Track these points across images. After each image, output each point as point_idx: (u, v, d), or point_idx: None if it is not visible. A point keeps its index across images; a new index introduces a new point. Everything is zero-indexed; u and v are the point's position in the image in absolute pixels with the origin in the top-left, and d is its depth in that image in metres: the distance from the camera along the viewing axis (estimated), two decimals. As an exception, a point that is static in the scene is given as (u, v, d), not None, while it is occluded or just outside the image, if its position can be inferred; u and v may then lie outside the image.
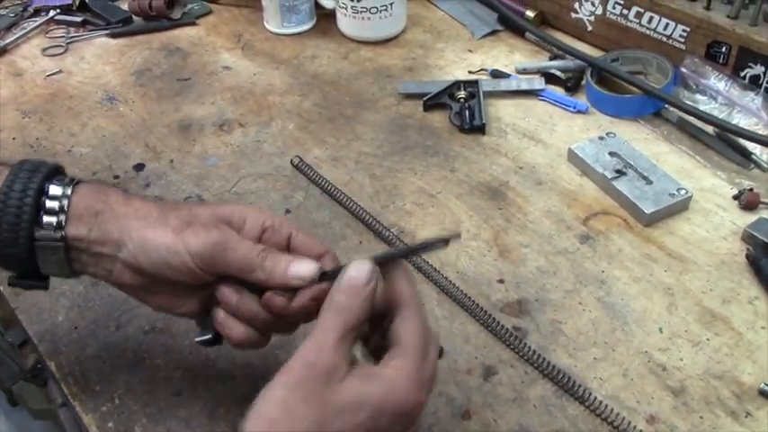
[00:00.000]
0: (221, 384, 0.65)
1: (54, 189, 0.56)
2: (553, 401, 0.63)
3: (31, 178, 0.56)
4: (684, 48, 0.93)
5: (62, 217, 0.55)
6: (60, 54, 1.09)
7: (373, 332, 0.53)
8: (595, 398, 0.62)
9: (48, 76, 1.05)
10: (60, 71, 1.05)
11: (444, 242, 0.51)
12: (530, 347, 0.66)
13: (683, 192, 0.79)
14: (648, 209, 0.77)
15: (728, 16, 0.89)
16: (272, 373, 0.51)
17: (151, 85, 1.02)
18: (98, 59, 1.08)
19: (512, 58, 1.03)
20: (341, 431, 0.46)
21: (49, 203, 0.55)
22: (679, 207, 0.79)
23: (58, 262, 0.56)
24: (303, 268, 0.54)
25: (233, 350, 0.67)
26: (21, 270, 0.58)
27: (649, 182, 0.80)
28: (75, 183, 0.57)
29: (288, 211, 0.82)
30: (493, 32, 1.08)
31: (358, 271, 0.50)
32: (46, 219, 0.55)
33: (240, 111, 0.96)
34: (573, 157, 0.85)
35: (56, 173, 0.58)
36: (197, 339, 0.60)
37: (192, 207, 0.57)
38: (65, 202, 0.55)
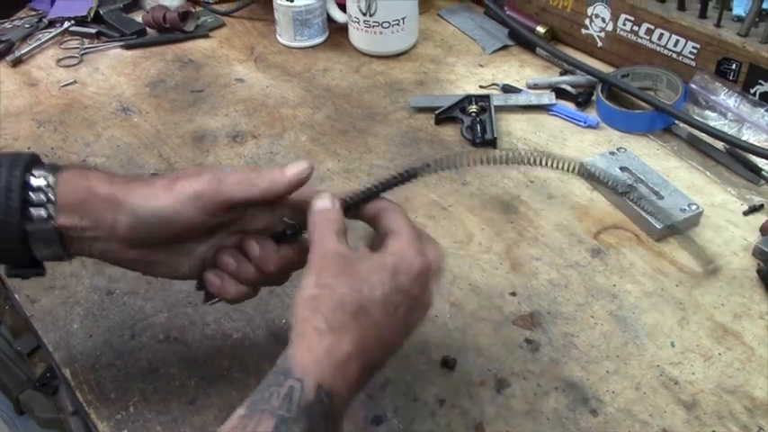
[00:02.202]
0: (235, 392, 0.65)
1: (37, 181, 0.55)
2: (566, 414, 0.63)
3: (11, 173, 0.55)
4: (694, 64, 0.94)
5: (51, 208, 0.55)
6: (75, 65, 1.10)
7: None
8: (608, 411, 0.62)
9: (63, 86, 1.06)
10: (75, 81, 1.07)
11: (412, 175, 0.59)
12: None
13: (693, 207, 0.79)
14: (660, 224, 0.78)
15: (739, 34, 0.90)
16: None
17: (165, 97, 1.03)
18: (112, 70, 1.09)
19: (522, 73, 1.04)
20: (373, 289, 0.52)
21: (35, 196, 0.55)
22: (690, 222, 0.79)
23: (53, 249, 0.57)
24: (297, 165, 0.58)
25: (247, 358, 0.68)
26: (16, 261, 0.58)
27: (660, 197, 0.81)
28: (55, 170, 0.57)
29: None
30: (504, 47, 1.09)
31: (322, 201, 0.58)
32: (35, 212, 0.55)
33: (253, 123, 0.97)
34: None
35: (33, 163, 0.57)
36: (210, 303, 0.63)
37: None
38: (50, 193, 0.55)
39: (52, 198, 0.55)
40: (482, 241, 0.80)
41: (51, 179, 0.55)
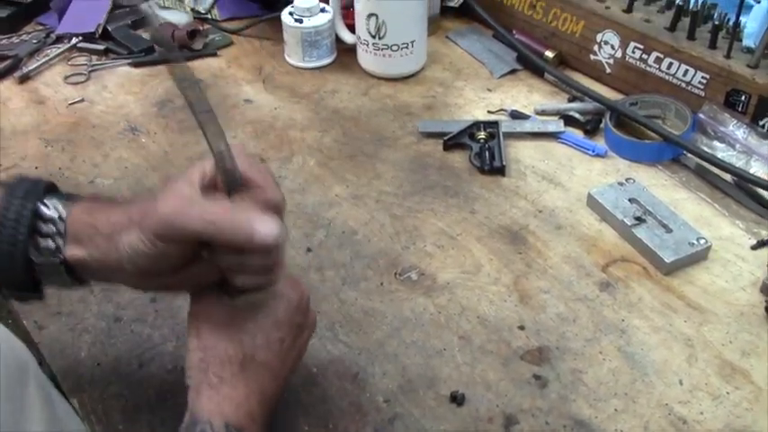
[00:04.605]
0: (244, 427, 0.65)
1: (48, 212, 0.56)
2: (575, 454, 0.63)
3: (24, 204, 0.55)
4: (704, 94, 0.94)
5: (59, 241, 0.56)
6: (83, 82, 1.10)
7: None
8: (617, 451, 0.62)
9: (70, 104, 1.06)
10: (83, 100, 1.06)
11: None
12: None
13: (702, 241, 0.79)
14: (669, 258, 0.78)
15: (748, 65, 0.90)
16: (291, 409, 0.65)
17: (173, 117, 1.03)
18: (120, 89, 1.09)
19: (531, 98, 1.04)
20: (253, 337, 0.57)
21: (45, 227, 0.56)
22: (698, 256, 0.80)
23: (60, 279, 0.57)
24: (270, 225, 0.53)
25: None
26: (19, 286, 0.58)
27: (669, 230, 0.81)
28: (69, 201, 0.57)
29: (309, 250, 0.82)
30: (512, 71, 1.09)
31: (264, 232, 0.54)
32: (43, 243, 0.56)
33: (261, 145, 0.97)
34: (592, 202, 0.86)
35: (48, 191, 0.58)
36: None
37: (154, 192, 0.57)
38: (60, 226, 0.56)
39: (62, 230, 0.56)
40: (490, 272, 0.80)
41: (63, 211, 0.56)
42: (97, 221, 0.56)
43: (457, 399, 0.67)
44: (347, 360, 0.71)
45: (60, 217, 0.56)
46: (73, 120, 1.03)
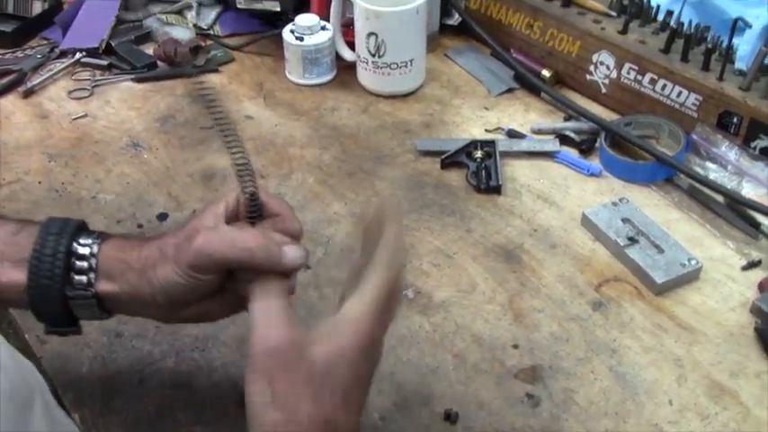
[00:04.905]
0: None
1: (81, 249, 0.59)
2: (565, 472, 0.65)
3: (59, 241, 0.59)
4: (696, 116, 0.95)
5: (91, 275, 0.59)
6: (86, 97, 1.11)
7: None
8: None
9: (74, 119, 1.07)
10: (86, 115, 1.08)
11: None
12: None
13: (693, 262, 0.81)
14: (660, 278, 0.79)
15: (740, 88, 0.92)
16: None
17: (175, 133, 1.04)
18: (123, 104, 1.10)
19: (527, 116, 1.06)
20: (333, 394, 0.51)
21: (78, 263, 0.59)
22: (689, 277, 0.81)
23: (91, 311, 0.60)
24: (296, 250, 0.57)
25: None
26: (55, 321, 0.61)
27: (661, 250, 0.82)
28: (99, 238, 0.60)
29: (308, 267, 0.84)
30: (509, 90, 1.11)
31: (293, 257, 0.57)
32: (76, 278, 0.59)
33: (262, 162, 0.99)
34: (586, 222, 0.88)
35: (80, 230, 0.61)
36: None
37: (184, 225, 0.61)
38: (92, 261, 0.59)
39: (94, 266, 0.59)
40: (485, 291, 0.81)
41: (95, 248, 0.59)
42: (128, 257, 0.59)
43: (451, 417, 0.69)
44: (344, 377, 0.73)
45: (92, 253, 0.59)
46: (76, 135, 1.05)
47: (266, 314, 0.54)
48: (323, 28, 1.11)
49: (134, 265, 0.59)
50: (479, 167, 0.95)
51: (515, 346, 0.75)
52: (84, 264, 0.59)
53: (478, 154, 0.97)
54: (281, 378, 0.50)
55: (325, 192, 0.94)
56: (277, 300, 0.55)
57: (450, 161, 0.97)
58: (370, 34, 1.04)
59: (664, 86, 0.98)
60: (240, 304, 0.59)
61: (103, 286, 0.59)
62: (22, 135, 1.05)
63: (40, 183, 0.96)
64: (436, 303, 0.80)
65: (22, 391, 0.50)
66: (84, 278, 0.59)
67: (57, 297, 0.59)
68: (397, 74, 1.07)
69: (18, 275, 0.59)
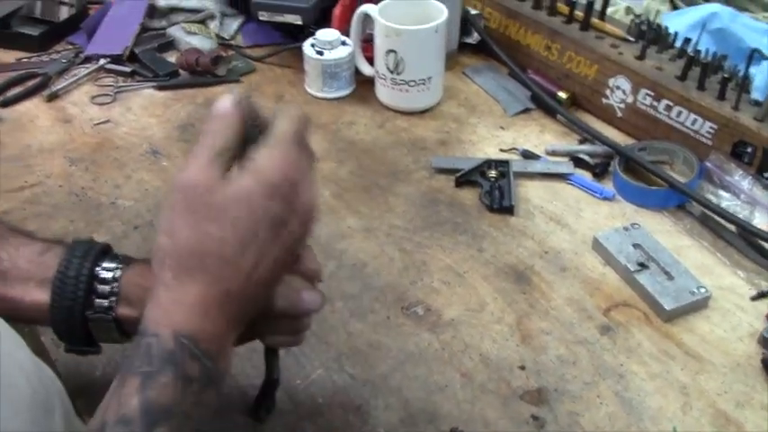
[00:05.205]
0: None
1: (105, 273, 0.61)
2: (567, 496, 0.65)
3: (82, 264, 0.61)
4: (711, 144, 0.96)
5: (113, 299, 0.61)
6: (108, 103, 1.13)
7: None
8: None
9: (95, 124, 1.09)
10: (108, 120, 1.10)
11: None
12: (547, 439, 0.69)
13: (702, 290, 0.81)
14: (669, 305, 0.80)
15: (755, 118, 0.92)
16: None
17: (194, 141, 1.05)
18: (144, 111, 1.12)
19: (542, 137, 1.07)
20: (222, 228, 0.50)
21: (101, 287, 0.60)
22: (698, 305, 0.81)
23: (110, 335, 0.62)
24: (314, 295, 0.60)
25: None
26: (75, 341, 0.63)
27: (671, 277, 0.83)
28: (123, 263, 0.62)
29: (320, 281, 0.84)
30: (525, 110, 1.12)
31: (223, 101, 0.54)
32: (98, 301, 0.61)
33: (278, 174, 1.00)
34: (597, 246, 0.88)
35: (104, 254, 0.63)
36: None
37: None
38: (114, 286, 0.61)
39: (116, 291, 0.60)
40: (494, 311, 0.82)
41: (118, 273, 0.61)
42: (149, 284, 0.60)
43: (456, 435, 0.70)
44: (351, 392, 0.74)
45: (115, 278, 0.61)
46: (97, 140, 1.06)
47: (200, 153, 0.52)
48: (343, 43, 1.12)
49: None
50: (493, 187, 0.96)
51: (522, 368, 0.76)
52: (107, 288, 0.60)
53: (492, 174, 0.98)
54: (180, 209, 0.51)
55: (340, 206, 0.95)
56: (214, 146, 0.52)
57: (465, 179, 0.98)
58: (389, 51, 1.06)
59: (679, 113, 0.98)
60: (252, 334, 0.61)
61: (124, 311, 0.61)
62: (45, 138, 1.07)
63: (60, 186, 0.98)
64: (445, 321, 0.81)
65: (44, 397, 0.51)
66: (105, 302, 0.61)
67: (78, 319, 0.61)
68: (415, 91, 1.09)
69: (42, 296, 0.61)
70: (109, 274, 0.61)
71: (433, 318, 0.81)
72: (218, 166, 0.51)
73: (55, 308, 0.60)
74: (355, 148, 1.05)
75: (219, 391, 0.52)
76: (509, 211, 0.94)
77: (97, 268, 0.61)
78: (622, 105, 1.05)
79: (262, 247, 0.52)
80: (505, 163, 0.99)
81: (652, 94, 1.01)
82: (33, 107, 1.13)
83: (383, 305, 0.82)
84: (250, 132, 0.55)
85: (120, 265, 0.61)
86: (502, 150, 1.05)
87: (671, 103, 0.99)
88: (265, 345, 0.65)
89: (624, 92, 1.04)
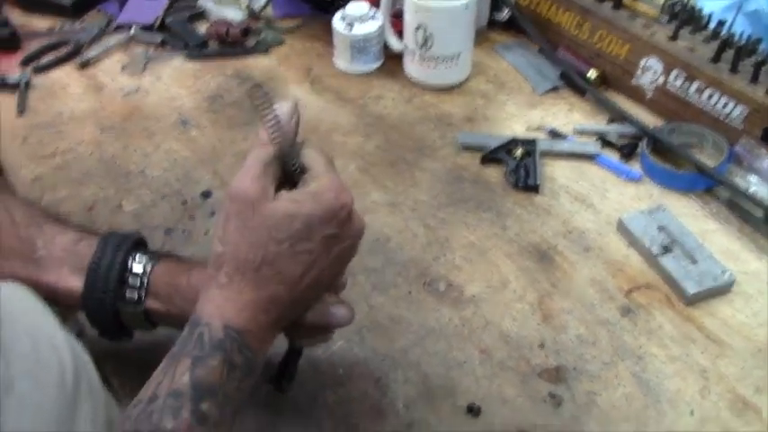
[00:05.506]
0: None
1: (136, 266, 0.64)
2: (582, 473, 0.66)
3: (116, 255, 0.63)
4: (741, 128, 0.95)
5: (142, 292, 0.63)
6: (139, 72, 1.14)
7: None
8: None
9: (126, 93, 1.10)
10: (138, 89, 1.11)
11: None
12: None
13: (726, 275, 0.81)
14: (692, 289, 0.80)
15: (788, 103, 0.91)
16: (318, 406, 0.66)
17: (223, 112, 1.07)
18: (174, 81, 1.13)
19: (571, 116, 1.06)
20: (278, 243, 0.56)
21: (132, 280, 0.63)
22: (721, 290, 0.81)
23: (140, 324, 0.65)
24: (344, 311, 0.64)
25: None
26: (108, 328, 0.66)
27: (695, 261, 0.83)
28: (153, 258, 0.64)
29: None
30: (554, 88, 1.11)
31: (280, 107, 0.59)
32: (128, 293, 0.63)
33: (305, 147, 1.01)
34: (622, 228, 0.88)
35: (137, 246, 0.65)
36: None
37: None
38: (145, 279, 0.63)
39: (145, 284, 0.63)
40: (516, 289, 0.82)
41: (149, 267, 0.64)
42: (178, 282, 0.64)
43: (473, 410, 0.71)
44: (372, 364, 0.75)
45: (145, 272, 0.64)
46: (128, 109, 1.08)
47: (253, 165, 0.57)
48: (372, 17, 1.12)
49: (182, 291, 0.63)
50: (518, 165, 0.96)
51: (541, 346, 0.77)
52: (137, 281, 0.63)
53: (518, 152, 0.97)
54: (234, 220, 0.56)
55: (366, 180, 0.96)
56: (266, 159, 0.57)
57: (491, 157, 0.98)
58: (418, 27, 1.05)
59: (710, 96, 0.97)
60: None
61: (152, 304, 0.64)
62: (77, 106, 1.08)
63: (91, 154, 1.00)
64: (467, 298, 0.81)
65: (73, 371, 0.52)
66: (135, 294, 0.64)
67: (109, 308, 0.63)
68: (443, 67, 1.08)
69: (76, 283, 0.63)
70: (140, 268, 0.64)
71: (454, 294, 0.82)
72: (268, 178, 0.57)
73: (87, 297, 0.63)
74: (382, 123, 1.05)
75: (254, 382, 0.58)
76: (534, 189, 0.94)
77: (129, 260, 0.63)
78: (653, 86, 1.04)
79: (312, 263, 0.57)
80: (532, 142, 0.99)
81: (684, 75, 0.99)
82: (65, 75, 1.14)
83: (405, 280, 0.83)
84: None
85: (150, 261, 0.64)
86: (529, 128, 1.04)
87: (702, 86, 0.97)
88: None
89: (655, 72, 1.03)
